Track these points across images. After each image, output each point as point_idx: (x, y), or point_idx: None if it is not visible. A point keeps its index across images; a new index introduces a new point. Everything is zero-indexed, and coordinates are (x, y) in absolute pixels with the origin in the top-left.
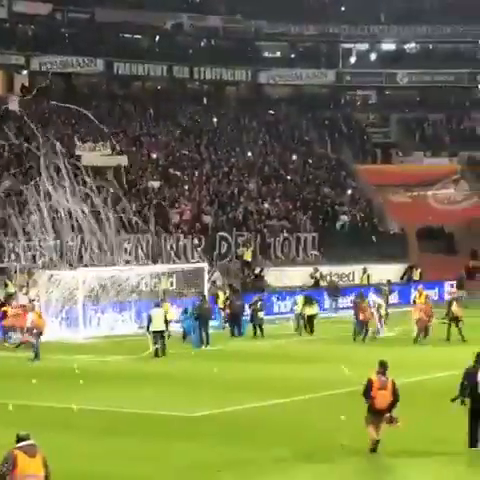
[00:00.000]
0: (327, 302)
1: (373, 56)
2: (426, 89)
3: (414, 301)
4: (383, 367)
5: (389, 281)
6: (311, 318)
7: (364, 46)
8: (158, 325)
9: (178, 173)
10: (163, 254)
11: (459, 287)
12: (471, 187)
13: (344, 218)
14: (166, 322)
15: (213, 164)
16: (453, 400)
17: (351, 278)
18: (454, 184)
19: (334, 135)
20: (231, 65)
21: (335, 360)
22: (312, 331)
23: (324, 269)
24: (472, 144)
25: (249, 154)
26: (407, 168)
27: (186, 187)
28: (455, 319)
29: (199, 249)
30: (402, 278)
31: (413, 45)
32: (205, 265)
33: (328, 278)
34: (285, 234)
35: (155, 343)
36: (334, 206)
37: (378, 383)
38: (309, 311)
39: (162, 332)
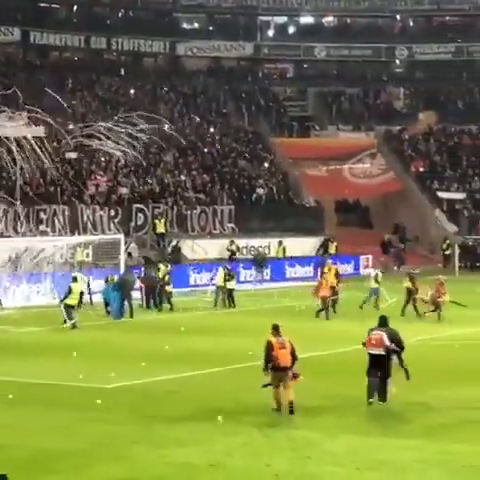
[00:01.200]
0: (253, 274)
1: (291, 29)
2: (344, 63)
3: (322, 273)
4: (276, 329)
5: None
6: (231, 292)
7: (282, 19)
8: (75, 299)
9: (95, 144)
10: (79, 225)
11: (400, 262)
12: (387, 161)
13: (260, 191)
14: (81, 294)
15: (130, 135)
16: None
17: (267, 251)
18: (370, 158)
19: (251, 108)
20: (149, 36)
21: (253, 333)
22: (233, 305)
23: (241, 242)
24: (389, 118)
25: (166, 126)
26: (324, 142)
27: (102, 159)
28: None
29: (115, 221)
30: (318, 251)
31: (331, 19)
32: (121, 237)
33: (255, 250)
34: (202, 206)
35: (70, 316)
36: (251, 179)
37: (277, 343)
38: (230, 285)
39: (77, 305)
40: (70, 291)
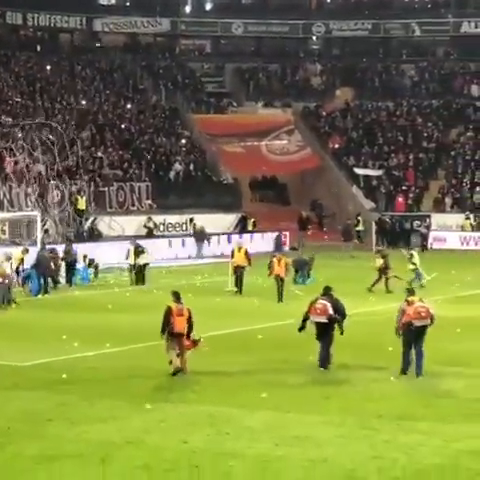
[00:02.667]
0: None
1: (208, 5)
2: (261, 39)
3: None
4: (176, 296)
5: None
6: (144, 267)
7: None
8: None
9: (11, 120)
10: None
11: (347, 238)
12: (304, 138)
13: (177, 167)
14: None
15: (47, 112)
16: (300, 330)
17: (184, 228)
18: (287, 135)
19: (168, 84)
20: (65, 12)
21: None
22: (143, 282)
23: (158, 218)
24: (306, 95)
25: (83, 102)
26: (241, 118)
27: (19, 135)
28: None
29: (32, 198)
30: (236, 228)
31: None
32: (38, 214)
33: (196, 225)
34: (119, 183)
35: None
36: (168, 155)
37: (176, 310)
38: (141, 260)
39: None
40: None
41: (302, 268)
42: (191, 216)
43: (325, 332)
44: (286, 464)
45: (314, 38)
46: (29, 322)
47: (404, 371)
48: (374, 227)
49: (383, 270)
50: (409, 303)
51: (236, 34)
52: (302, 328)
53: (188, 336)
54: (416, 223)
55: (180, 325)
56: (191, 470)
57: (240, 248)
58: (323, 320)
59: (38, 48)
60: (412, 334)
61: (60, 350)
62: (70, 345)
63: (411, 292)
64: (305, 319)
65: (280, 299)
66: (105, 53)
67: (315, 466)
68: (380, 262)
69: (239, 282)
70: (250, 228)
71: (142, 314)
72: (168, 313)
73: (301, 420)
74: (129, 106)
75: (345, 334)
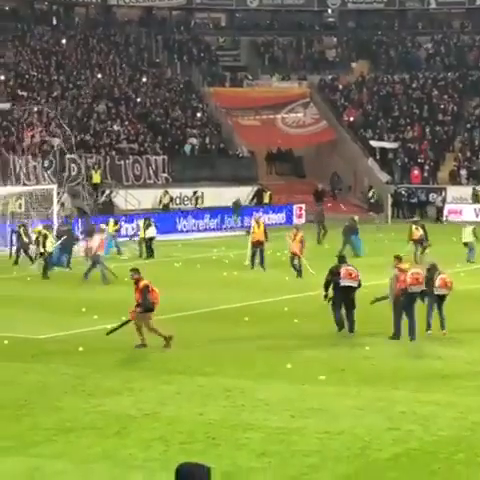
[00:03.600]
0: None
1: None
2: (276, 12)
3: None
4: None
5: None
6: (150, 240)
7: None
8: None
9: (27, 94)
10: (12, 176)
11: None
12: (320, 111)
13: (193, 141)
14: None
15: (62, 86)
16: (325, 297)
17: (200, 201)
18: (303, 108)
19: (184, 58)
20: None
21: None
22: (152, 254)
23: (174, 191)
24: (321, 68)
25: (99, 76)
26: (256, 91)
27: (35, 109)
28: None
29: (48, 171)
30: (251, 201)
31: None
32: (54, 187)
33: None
34: (135, 156)
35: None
36: (183, 129)
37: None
38: (148, 233)
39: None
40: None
41: (355, 234)
42: (195, 190)
43: (353, 297)
44: (302, 436)
45: (330, 11)
46: (48, 295)
47: (397, 336)
48: (390, 199)
49: (420, 241)
50: (401, 270)
51: (251, 7)
52: (327, 295)
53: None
54: (432, 195)
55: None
56: (207, 442)
57: (259, 223)
58: (355, 284)
59: (53, 22)
60: (409, 299)
61: (78, 323)
62: (89, 318)
63: (400, 259)
64: (328, 286)
65: (299, 275)
66: (120, 27)
67: (331, 438)
68: (420, 233)
69: (260, 258)
70: (266, 201)
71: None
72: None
73: (317, 392)
74: (144, 80)
75: (361, 305)
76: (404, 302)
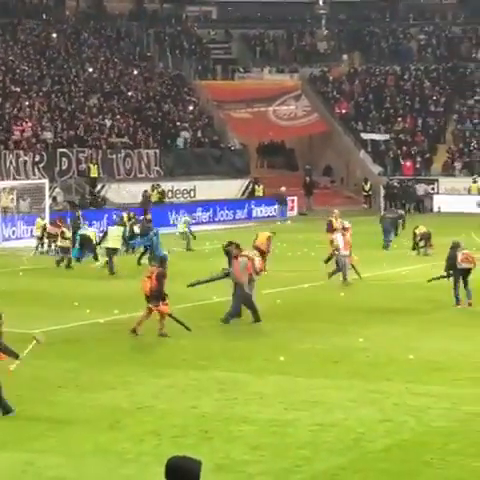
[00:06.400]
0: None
1: None
2: (267, 5)
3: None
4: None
5: None
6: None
7: None
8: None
9: (18, 89)
10: (3, 171)
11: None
12: (312, 103)
13: (185, 134)
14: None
15: (53, 80)
16: (443, 277)
17: (192, 195)
18: (295, 100)
19: (175, 51)
20: None
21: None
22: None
23: (167, 185)
24: (313, 60)
25: (90, 70)
26: (248, 84)
27: (26, 103)
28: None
29: (40, 166)
30: (244, 194)
31: None
32: (46, 181)
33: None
34: (126, 150)
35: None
36: (175, 122)
37: (147, 272)
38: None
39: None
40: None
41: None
42: (153, 183)
43: (468, 275)
44: (295, 428)
45: (320, 2)
46: (41, 289)
47: (457, 303)
48: (382, 191)
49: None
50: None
51: (242, 0)
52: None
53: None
54: (420, 187)
55: (145, 286)
56: (200, 435)
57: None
58: (470, 266)
59: (44, 16)
60: (459, 272)
61: (71, 317)
62: (82, 312)
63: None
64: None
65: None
66: (111, 20)
67: (324, 430)
68: (424, 228)
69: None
70: (259, 194)
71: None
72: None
73: (310, 385)
74: (136, 73)
75: (356, 298)
76: (456, 277)
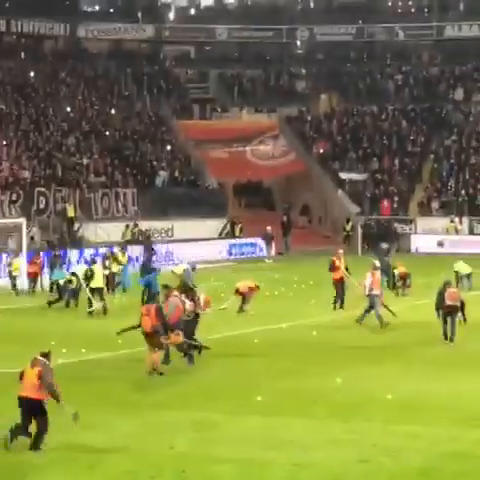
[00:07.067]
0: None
1: (192, 11)
2: (245, 45)
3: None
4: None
5: None
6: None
7: (183, 1)
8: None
9: None
10: None
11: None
12: (289, 143)
13: (163, 174)
14: None
15: (31, 119)
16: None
17: (170, 234)
18: (273, 140)
19: (153, 90)
20: (50, 18)
21: None
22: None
23: (144, 224)
24: (291, 100)
25: (68, 109)
26: (226, 124)
27: (4, 142)
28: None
29: (17, 205)
30: (221, 233)
31: (232, 1)
32: (23, 220)
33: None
34: (104, 190)
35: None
36: (153, 162)
37: (143, 310)
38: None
39: None
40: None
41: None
42: (127, 223)
43: (455, 312)
44: (273, 468)
45: (298, 43)
46: (16, 328)
47: (445, 338)
48: (360, 231)
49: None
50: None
51: (220, 40)
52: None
53: (166, 333)
54: (401, 227)
55: (146, 324)
56: (177, 475)
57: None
58: (456, 303)
59: (22, 55)
60: (446, 309)
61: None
62: (58, 351)
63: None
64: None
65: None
66: (89, 60)
67: (302, 470)
68: (403, 268)
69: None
70: (237, 234)
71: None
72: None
73: (288, 424)
74: (114, 112)
75: (333, 337)
76: (443, 313)
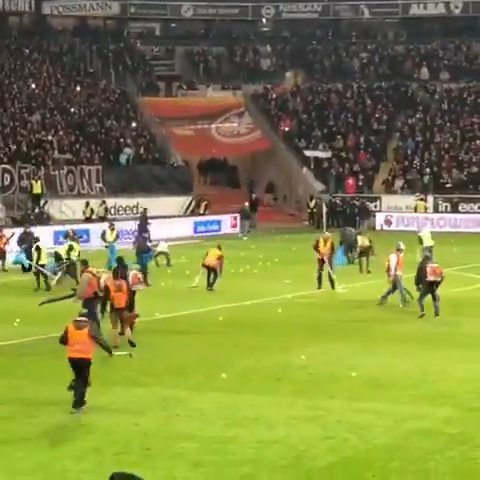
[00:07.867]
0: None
1: None
2: (211, 22)
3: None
4: (115, 273)
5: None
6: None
7: None
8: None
9: None
10: None
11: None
12: (255, 120)
13: (128, 151)
14: None
15: None
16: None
17: (135, 211)
18: (238, 117)
19: (118, 67)
20: None
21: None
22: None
23: (110, 201)
24: (256, 77)
25: (33, 86)
26: (191, 101)
27: None
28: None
29: None
30: (186, 211)
31: None
32: None
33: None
34: (69, 167)
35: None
36: (118, 139)
37: (113, 286)
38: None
39: None
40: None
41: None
42: (102, 199)
43: (436, 287)
44: (237, 445)
45: (264, 20)
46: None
47: (421, 310)
48: (325, 209)
49: (369, 249)
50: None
51: (186, 17)
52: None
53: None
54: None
55: (119, 301)
56: (142, 452)
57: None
58: (438, 279)
59: None
60: (427, 285)
61: (11, 334)
62: (24, 328)
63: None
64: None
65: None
66: (54, 36)
67: (266, 447)
68: (366, 240)
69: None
70: (202, 211)
71: None
72: (106, 290)
73: (252, 402)
74: (79, 89)
75: (298, 315)
76: (424, 288)
